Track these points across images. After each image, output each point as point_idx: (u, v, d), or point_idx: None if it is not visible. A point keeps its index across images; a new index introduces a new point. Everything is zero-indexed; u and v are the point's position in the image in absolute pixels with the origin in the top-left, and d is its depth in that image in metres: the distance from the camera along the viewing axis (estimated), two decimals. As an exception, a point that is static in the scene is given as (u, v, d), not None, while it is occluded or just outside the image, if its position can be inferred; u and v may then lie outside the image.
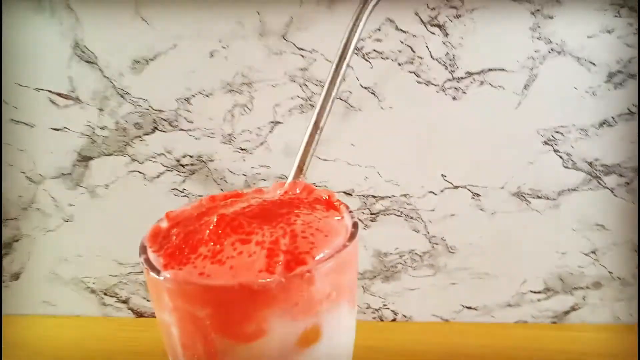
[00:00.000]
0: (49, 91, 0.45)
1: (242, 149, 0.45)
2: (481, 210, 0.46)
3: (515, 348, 0.47)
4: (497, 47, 0.41)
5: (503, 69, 0.41)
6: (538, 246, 0.47)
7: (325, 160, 0.45)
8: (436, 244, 0.48)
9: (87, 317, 0.55)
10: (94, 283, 0.53)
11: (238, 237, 0.25)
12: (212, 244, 0.25)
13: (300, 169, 0.31)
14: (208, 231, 0.25)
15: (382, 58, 0.42)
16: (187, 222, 0.28)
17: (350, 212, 0.28)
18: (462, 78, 0.42)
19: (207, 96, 0.44)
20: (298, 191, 0.31)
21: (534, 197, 0.45)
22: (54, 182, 0.48)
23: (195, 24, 0.41)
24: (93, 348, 0.50)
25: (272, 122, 0.44)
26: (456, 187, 0.45)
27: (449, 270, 0.49)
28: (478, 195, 0.45)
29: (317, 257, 0.24)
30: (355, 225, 0.27)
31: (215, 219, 0.25)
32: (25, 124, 0.46)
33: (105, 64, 0.44)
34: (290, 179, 0.31)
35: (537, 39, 0.40)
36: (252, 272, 0.23)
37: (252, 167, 0.46)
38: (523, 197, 0.45)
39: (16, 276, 0.54)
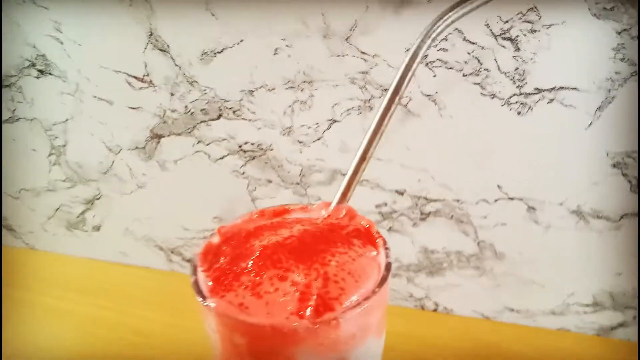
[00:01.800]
0: (126, 74, 0.48)
1: (299, 142, 0.47)
2: (535, 222, 0.45)
3: (553, 355, 0.48)
4: (573, 65, 0.38)
5: (576, 89, 0.39)
6: (592, 264, 0.46)
7: (379, 159, 0.46)
8: (484, 248, 0.48)
9: (155, 270, 0.61)
10: (162, 242, 0.59)
11: (276, 272, 0.27)
12: (253, 274, 0.27)
13: (344, 195, 0.32)
14: (251, 262, 0.28)
15: (447, 68, 0.40)
16: (235, 241, 0.31)
17: (387, 248, 0.30)
18: (530, 94, 0.40)
19: (269, 90, 0.45)
20: (341, 215, 0.32)
21: (594, 217, 0.43)
22: (129, 153, 0.53)
23: (261, 21, 0.42)
24: (158, 299, 0.56)
25: (329, 119, 0.45)
26: (511, 199, 0.45)
27: (495, 274, 0.49)
28: (533, 208, 0.45)
29: (345, 304, 0.25)
30: (388, 267, 0.28)
31: (258, 252, 0.28)
32: (105, 100, 0.50)
33: (177, 53, 0.45)
34: (334, 204, 0.32)
35: (620, 60, 0.37)
36: (284, 312, 0.25)
37: (308, 159, 0.47)
38: (582, 216, 0.44)
39: (97, 227, 0.60)
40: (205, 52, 0.45)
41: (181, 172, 0.52)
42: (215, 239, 0.31)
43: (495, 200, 0.45)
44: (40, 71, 0.50)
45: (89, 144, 0.54)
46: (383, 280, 0.27)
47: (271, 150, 0.48)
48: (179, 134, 0.50)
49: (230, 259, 0.29)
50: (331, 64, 0.42)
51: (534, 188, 0.44)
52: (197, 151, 0.50)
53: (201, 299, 0.27)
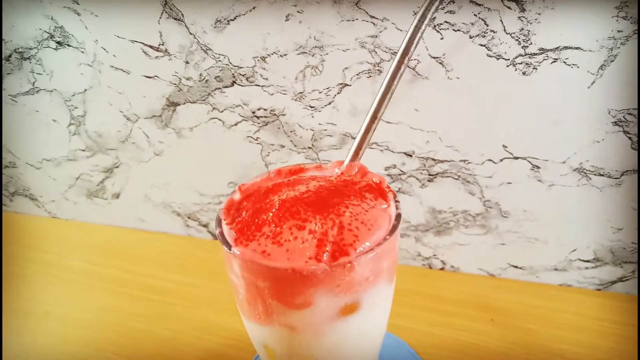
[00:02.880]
0: (142, 43, 0.49)
1: (311, 107, 0.48)
2: (539, 181, 0.47)
3: (555, 309, 0.50)
4: (576, 25, 0.39)
5: (580, 48, 0.40)
6: (593, 220, 0.48)
7: (388, 122, 0.47)
8: (490, 207, 0.50)
9: (173, 235, 0.64)
10: (179, 207, 0.61)
11: (295, 223, 0.29)
12: (273, 225, 0.29)
13: (356, 154, 0.34)
14: (271, 214, 0.30)
15: (454, 30, 0.41)
16: (255, 197, 0.33)
17: (397, 201, 0.32)
18: (534, 54, 0.41)
19: (281, 56, 0.46)
20: (354, 172, 0.34)
21: (595, 174, 0.45)
22: (146, 121, 0.55)
23: (272, -13, 0.43)
24: (175, 262, 0.59)
25: (340, 84, 0.46)
26: (516, 158, 0.46)
27: (499, 232, 0.51)
28: (537, 167, 0.46)
29: (358, 249, 0.28)
30: (398, 217, 0.30)
31: (277, 204, 0.30)
32: (122, 70, 0.52)
33: (191, 21, 0.47)
34: (347, 162, 0.34)
35: (623, 18, 0.38)
36: (303, 257, 0.27)
37: (320, 124, 0.49)
38: (584, 172, 0.45)
39: (117, 195, 0.63)
40: (219, 20, 0.46)
41: (197, 139, 0.54)
42: (237, 196, 0.34)
43: (501, 160, 0.47)
44: (59, 43, 0.52)
45: (107, 113, 0.56)
46: (393, 229, 0.29)
47: (283, 115, 0.50)
48: (194, 102, 0.52)
49: (251, 213, 0.31)
50: (341, 29, 0.44)
51: (538, 147, 0.45)
52: (211, 118, 0.52)
53: (227, 248, 0.29)
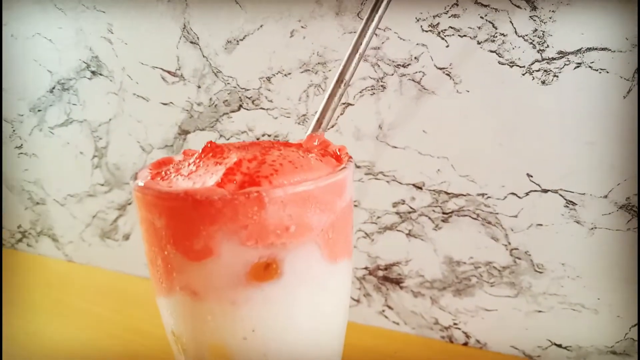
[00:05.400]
0: (161, 69, 0.51)
1: (314, 130, 0.45)
2: (577, 222, 0.38)
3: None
4: (599, 21, 0.34)
5: (607, 49, 0.34)
6: (656, 280, 0.37)
7: (394, 147, 0.42)
8: (519, 258, 0.41)
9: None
10: (184, 253, 0.57)
11: (215, 161, 0.24)
12: (192, 166, 0.25)
13: (319, 123, 0.30)
14: (194, 157, 0.26)
15: (460, 36, 0.38)
16: (196, 157, 0.29)
17: (350, 160, 0.26)
18: (553, 59, 0.36)
19: (286, 75, 0.45)
20: (314, 144, 0.30)
21: (650, 214, 0.36)
22: (159, 152, 0.54)
23: (280, 4, 0.43)
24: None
25: (343, 103, 0.44)
26: (545, 191, 0.38)
27: (534, 293, 0.41)
28: (573, 203, 0.38)
29: (274, 183, 0.22)
30: (345, 166, 0.25)
31: (202, 148, 0.26)
32: (143, 97, 0.53)
33: (205, 44, 0.48)
34: (308, 131, 0.30)
35: (655, 9, 0.32)
36: (206, 187, 0.22)
37: (323, 150, 0.45)
38: (634, 211, 0.36)
39: (127, 236, 0.61)
40: (229, 41, 0.47)
41: (203, 171, 0.52)
42: (178, 157, 0.30)
43: (527, 194, 0.39)
44: (93, 72, 0.55)
45: (126, 144, 0.56)
46: (335, 173, 0.24)
47: (287, 140, 0.47)
48: (203, 129, 0.51)
49: (178, 163, 0.27)
50: (344, 42, 0.42)
51: (570, 176, 0.37)
52: (218, 146, 0.51)
53: (132, 180, 0.25)
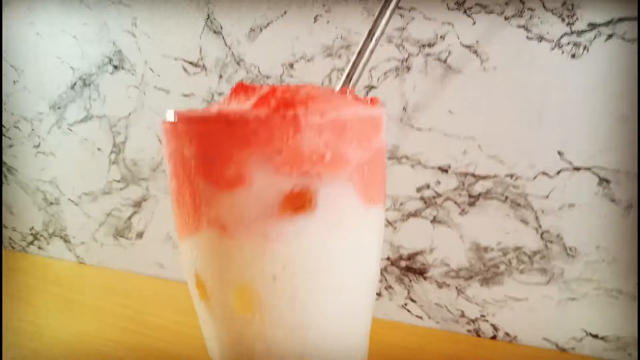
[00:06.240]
0: (183, 60, 0.51)
1: (336, 115, 0.45)
2: (612, 201, 0.37)
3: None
4: (629, -11, 0.34)
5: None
6: (698, 260, 0.35)
7: (419, 129, 0.42)
8: (550, 241, 0.39)
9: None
10: (198, 250, 0.56)
11: (247, 97, 0.24)
12: (223, 104, 0.24)
13: (349, 78, 0.29)
14: (225, 95, 0.25)
15: (486, 12, 0.38)
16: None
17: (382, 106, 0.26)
18: (583, 31, 0.35)
19: (308, 61, 0.45)
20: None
21: (689, 189, 0.34)
22: (178, 145, 0.54)
23: (303, -11, 0.44)
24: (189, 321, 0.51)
25: (367, 86, 0.43)
26: (577, 169, 0.37)
27: (566, 280, 0.39)
28: (607, 181, 0.36)
29: (310, 109, 0.21)
30: (382, 105, 0.24)
31: (235, 86, 0.25)
32: (163, 90, 0.53)
33: (228, 32, 0.48)
34: (339, 86, 0.29)
35: (687, -24, 0.32)
36: (240, 108, 0.22)
37: (345, 135, 0.45)
38: (673, 187, 0.35)
39: (140, 235, 0.60)
40: (253, 29, 0.47)
41: (222, 162, 0.52)
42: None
43: (558, 173, 0.38)
44: (115, 67, 0.56)
45: (145, 138, 0.56)
46: (373, 108, 0.23)
47: (308, 127, 0.46)
48: (223, 119, 0.51)
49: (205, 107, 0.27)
50: (367, 25, 0.42)
51: (603, 153, 0.36)
52: (238, 136, 0.50)
53: (165, 116, 0.24)
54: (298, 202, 0.21)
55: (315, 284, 0.23)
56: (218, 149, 0.21)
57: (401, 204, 0.44)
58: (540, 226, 0.39)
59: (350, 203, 0.23)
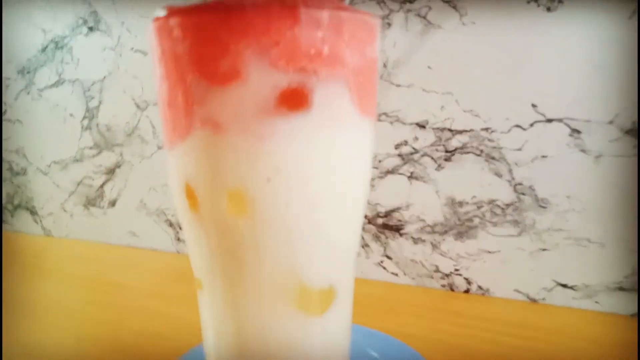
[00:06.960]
0: (163, 19, 0.51)
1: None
2: (582, 151, 0.38)
3: (627, 347, 0.36)
4: (598, -55, 0.36)
5: (607, -28, 0.36)
6: (661, 206, 0.37)
7: (398, 85, 0.43)
8: (523, 194, 0.40)
9: (162, 252, 0.56)
10: (172, 216, 0.55)
11: None
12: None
13: None
14: None
15: (465, -32, 0.39)
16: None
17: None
18: (556, -14, 0.37)
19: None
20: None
21: (653, 137, 0.36)
22: (155, 109, 0.53)
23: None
24: (164, 285, 0.50)
25: (348, 43, 0.44)
26: (549, 121, 0.39)
27: (538, 230, 0.40)
28: (578, 131, 0.38)
29: (309, 2, 0.22)
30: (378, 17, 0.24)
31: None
32: (141, 52, 0.53)
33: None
34: None
35: None
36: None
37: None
38: None
39: (113, 203, 0.58)
40: (234, -13, 0.47)
41: (199, 124, 0.51)
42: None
43: (531, 125, 0.39)
44: (90, 28, 0.55)
45: (120, 102, 0.55)
46: (370, 15, 0.23)
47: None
48: (202, 80, 0.50)
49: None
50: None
51: (576, 104, 0.38)
52: (216, 96, 0.50)
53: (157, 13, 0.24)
54: (294, 99, 0.22)
55: (308, 191, 0.23)
56: (213, 42, 0.21)
57: (379, 161, 0.45)
58: (513, 178, 0.41)
59: (345, 108, 0.23)
